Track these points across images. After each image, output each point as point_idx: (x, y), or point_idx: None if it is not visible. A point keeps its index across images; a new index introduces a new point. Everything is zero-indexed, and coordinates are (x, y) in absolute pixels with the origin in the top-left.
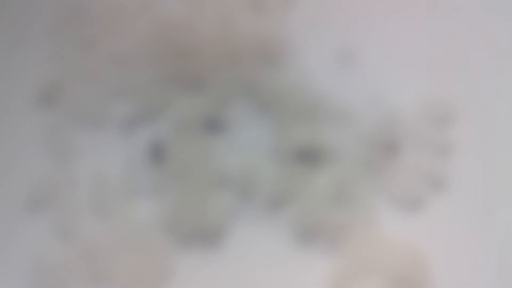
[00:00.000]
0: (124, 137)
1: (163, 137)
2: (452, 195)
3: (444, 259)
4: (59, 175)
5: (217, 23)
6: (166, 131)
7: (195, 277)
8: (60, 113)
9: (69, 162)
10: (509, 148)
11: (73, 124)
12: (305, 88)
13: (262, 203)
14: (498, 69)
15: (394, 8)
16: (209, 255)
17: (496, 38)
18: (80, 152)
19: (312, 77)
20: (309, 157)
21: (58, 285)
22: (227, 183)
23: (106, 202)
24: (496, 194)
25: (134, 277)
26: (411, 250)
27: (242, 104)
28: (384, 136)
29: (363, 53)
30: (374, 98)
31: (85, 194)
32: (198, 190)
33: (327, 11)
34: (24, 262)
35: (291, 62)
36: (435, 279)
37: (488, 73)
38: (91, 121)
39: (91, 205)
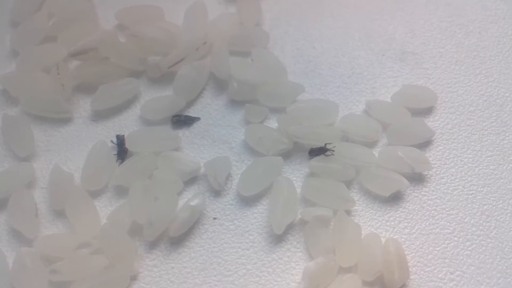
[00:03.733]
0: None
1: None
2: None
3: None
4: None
5: None
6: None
7: None
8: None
9: (30, 158)
10: (483, 138)
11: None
12: None
13: None
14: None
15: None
16: None
17: (475, 34)
18: (40, 147)
19: None
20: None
21: None
22: None
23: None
24: (472, 183)
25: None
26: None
27: None
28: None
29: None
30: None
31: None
32: None
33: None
34: None
35: None
36: (412, 272)
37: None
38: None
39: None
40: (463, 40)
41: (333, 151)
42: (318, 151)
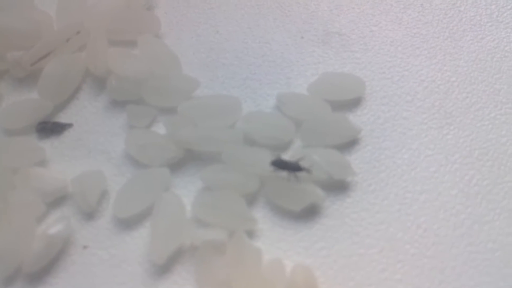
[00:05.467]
0: None
1: None
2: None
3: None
4: None
5: None
6: None
7: None
8: None
9: None
10: (421, 134)
11: None
12: None
13: None
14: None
15: None
16: None
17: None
18: None
19: None
20: None
21: None
22: None
23: None
24: (406, 190)
25: None
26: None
27: None
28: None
29: None
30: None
31: None
32: None
33: None
34: None
35: None
36: None
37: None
38: None
39: None
40: (401, 15)
41: (310, 170)
42: (285, 165)
